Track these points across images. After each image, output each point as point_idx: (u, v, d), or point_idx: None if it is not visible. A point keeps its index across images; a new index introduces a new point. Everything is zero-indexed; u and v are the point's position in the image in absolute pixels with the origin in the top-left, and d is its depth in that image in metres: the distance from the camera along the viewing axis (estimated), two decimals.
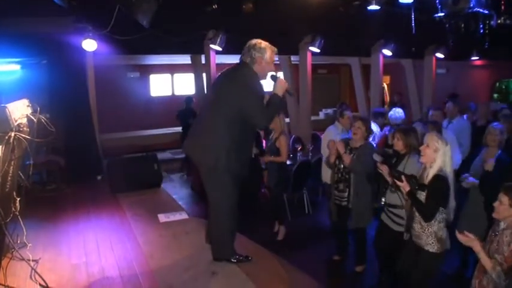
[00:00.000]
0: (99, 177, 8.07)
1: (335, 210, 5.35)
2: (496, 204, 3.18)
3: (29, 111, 3.75)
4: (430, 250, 3.74)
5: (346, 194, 5.10)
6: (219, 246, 4.23)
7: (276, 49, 4.00)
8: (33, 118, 3.71)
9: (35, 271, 3.88)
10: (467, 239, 3.17)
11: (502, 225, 3.17)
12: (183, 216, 5.80)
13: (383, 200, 4.54)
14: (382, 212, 4.58)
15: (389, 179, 4.17)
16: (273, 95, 3.92)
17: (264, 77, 3.99)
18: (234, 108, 3.79)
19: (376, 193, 4.84)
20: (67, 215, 5.95)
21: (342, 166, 5.13)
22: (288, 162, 6.94)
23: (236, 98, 3.79)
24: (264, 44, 3.93)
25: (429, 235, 3.73)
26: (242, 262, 4.19)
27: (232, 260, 4.18)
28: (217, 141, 3.85)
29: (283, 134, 6.35)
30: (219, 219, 4.12)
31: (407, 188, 3.76)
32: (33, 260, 4.13)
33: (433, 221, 3.69)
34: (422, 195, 3.72)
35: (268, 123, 4.12)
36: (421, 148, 3.82)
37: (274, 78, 4.00)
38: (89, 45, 7.10)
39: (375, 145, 5.89)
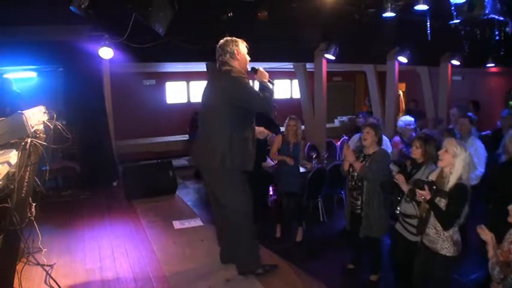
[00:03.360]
0: (114, 184, 8.15)
1: (349, 217, 5.30)
2: (509, 207, 3.18)
3: (45, 117, 3.78)
4: (447, 254, 3.71)
5: (359, 202, 5.04)
6: (243, 257, 4.06)
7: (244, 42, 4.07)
8: (49, 125, 3.74)
9: (50, 276, 3.89)
10: (484, 233, 3.20)
11: None
12: (198, 223, 5.82)
13: (398, 209, 4.47)
14: (397, 221, 4.53)
15: (404, 187, 4.09)
16: (260, 82, 3.98)
17: (245, 69, 4.03)
18: (231, 103, 3.80)
19: (392, 202, 4.78)
20: (82, 221, 6.00)
21: (356, 174, 5.09)
22: (302, 170, 6.89)
23: (231, 92, 3.80)
24: (233, 38, 3.99)
25: (445, 239, 3.70)
26: (270, 272, 4.08)
27: (259, 272, 4.04)
28: (220, 142, 3.82)
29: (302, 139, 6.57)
30: (239, 226, 3.96)
31: (429, 197, 3.68)
32: (48, 265, 4.14)
33: None
34: (441, 202, 3.67)
35: (270, 106, 3.96)
36: (440, 153, 3.78)
37: (254, 70, 4.09)
38: (105, 53, 7.16)
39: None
